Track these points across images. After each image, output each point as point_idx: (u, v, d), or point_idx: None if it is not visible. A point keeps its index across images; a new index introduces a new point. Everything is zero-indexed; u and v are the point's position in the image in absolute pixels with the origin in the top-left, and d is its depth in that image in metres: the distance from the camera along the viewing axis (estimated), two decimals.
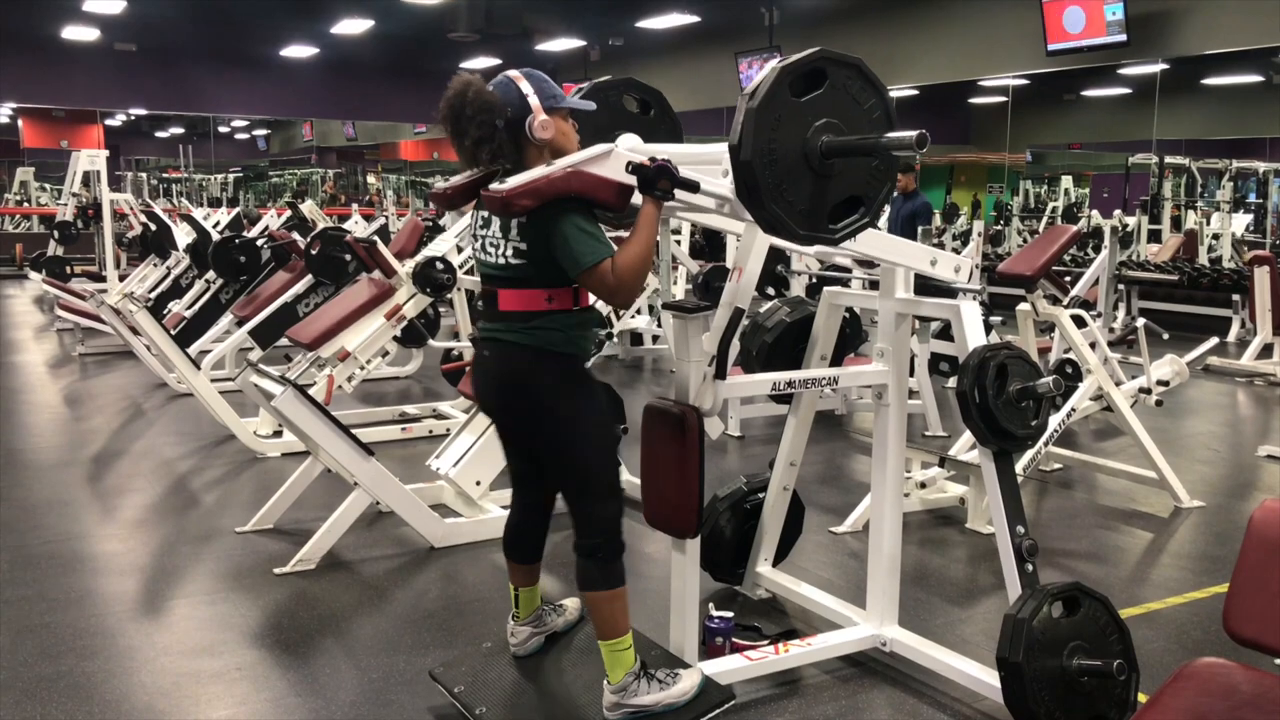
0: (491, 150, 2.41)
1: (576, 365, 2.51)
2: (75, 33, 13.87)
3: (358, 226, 9.81)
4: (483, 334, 2.57)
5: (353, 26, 13.38)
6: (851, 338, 4.67)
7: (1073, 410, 4.69)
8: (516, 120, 2.40)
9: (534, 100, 2.41)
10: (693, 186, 2.38)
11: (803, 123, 2.26)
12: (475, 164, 2.46)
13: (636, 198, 2.39)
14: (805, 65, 2.27)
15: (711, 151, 2.48)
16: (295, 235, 8.01)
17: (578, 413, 2.49)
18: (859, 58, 2.33)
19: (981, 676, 2.73)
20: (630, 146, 2.79)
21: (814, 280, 6.33)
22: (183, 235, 9.21)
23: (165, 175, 24.59)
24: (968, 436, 4.27)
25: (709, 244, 8.75)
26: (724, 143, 2.31)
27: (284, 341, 5.97)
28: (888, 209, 9.02)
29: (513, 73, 2.47)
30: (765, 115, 2.21)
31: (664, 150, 2.52)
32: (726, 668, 2.79)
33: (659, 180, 2.33)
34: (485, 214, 2.49)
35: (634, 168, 2.35)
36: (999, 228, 14.59)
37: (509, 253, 2.42)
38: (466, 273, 5.48)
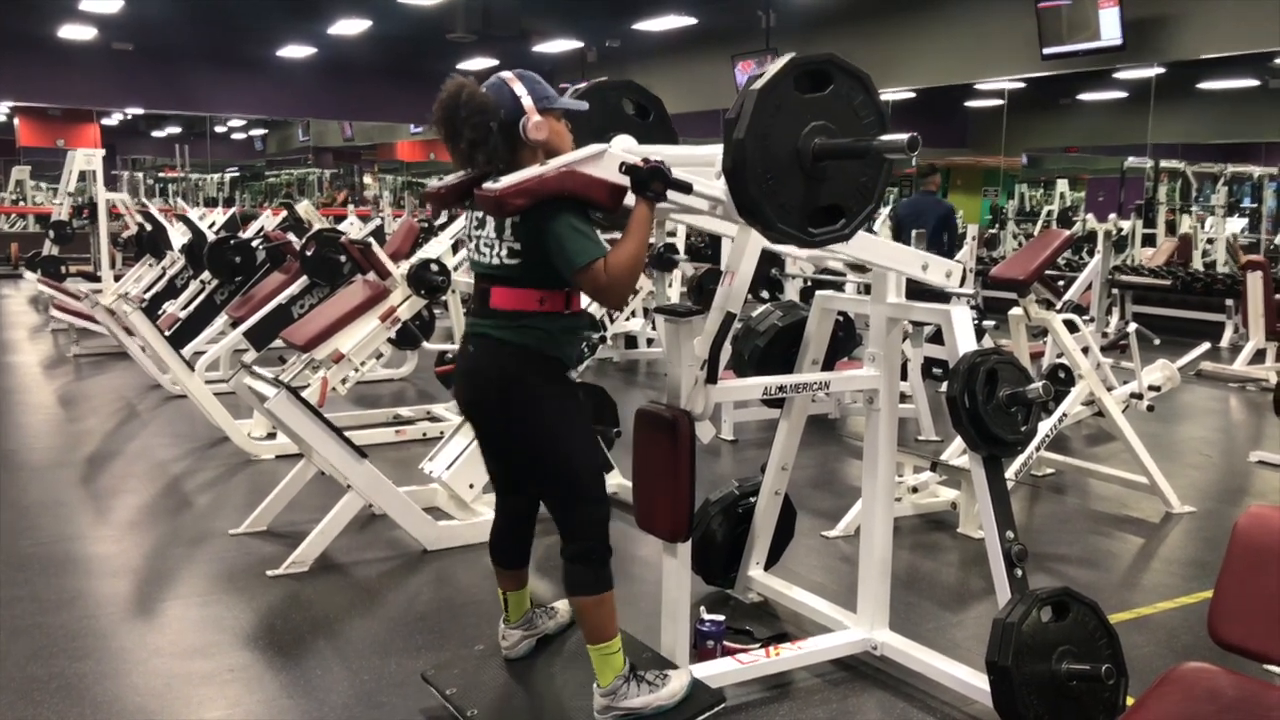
0: (487, 152, 2.41)
1: (561, 369, 2.51)
2: (72, 32, 13.85)
3: (353, 228, 9.81)
4: (470, 329, 2.56)
5: (350, 27, 13.38)
6: (845, 341, 4.70)
7: (1064, 415, 4.71)
8: (510, 121, 2.41)
9: (527, 101, 2.42)
10: (685, 188, 2.38)
11: (800, 118, 2.27)
12: (470, 166, 2.46)
13: (630, 198, 2.40)
14: (814, 63, 2.28)
15: (705, 153, 2.49)
16: (291, 236, 8.01)
17: (560, 417, 2.48)
18: (867, 74, 2.34)
19: (971, 680, 2.75)
20: (625, 148, 2.80)
21: (808, 284, 6.34)
22: (178, 235, 9.21)
23: (161, 175, 24.56)
24: (960, 441, 4.28)
25: (710, 245, 8.75)
26: (718, 144, 2.31)
27: (278, 343, 5.97)
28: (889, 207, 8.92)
29: (506, 74, 2.48)
30: (767, 99, 2.21)
31: (657, 151, 2.52)
32: (717, 671, 2.80)
33: (652, 181, 2.33)
34: (479, 214, 2.50)
35: (627, 168, 2.36)
36: (994, 231, 14.61)
37: (503, 253, 2.43)
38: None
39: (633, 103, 3.04)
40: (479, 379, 2.54)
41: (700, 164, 2.48)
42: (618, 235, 2.42)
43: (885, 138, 2.27)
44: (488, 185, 2.36)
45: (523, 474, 2.65)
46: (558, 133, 2.49)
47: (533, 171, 2.34)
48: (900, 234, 7.82)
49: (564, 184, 2.33)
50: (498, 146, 2.41)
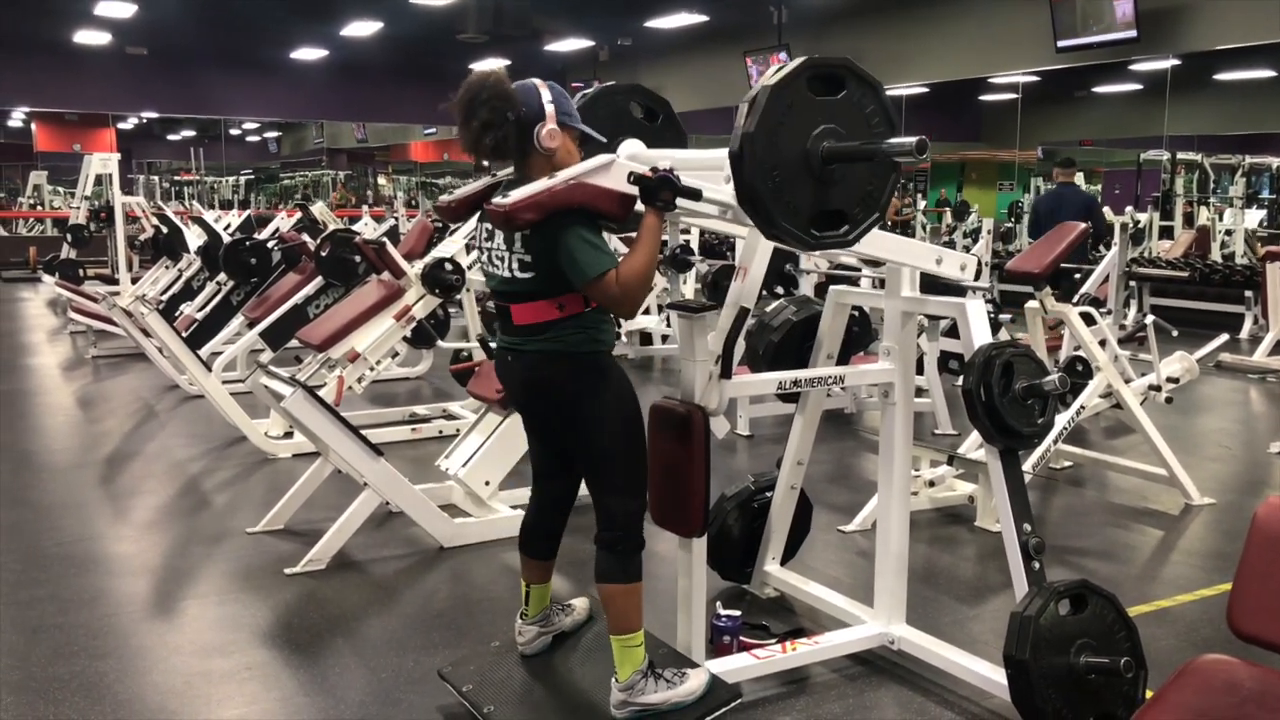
0: (495, 139, 2.40)
1: (600, 361, 2.52)
2: (87, 37, 13.94)
3: (367, 228, 9.85)
4: (502, 345, 2.59)
5: (362, 29, 13.42)
6: (860, 336, 4.68)
7: (1082, 407, 4.68)
8: (527, 122, 2.41)
9: (550, 109, 2.43)
10: (695, 194, 2.38)
11: (811, 120, 2.26)
12: (477, 150, 2.44)
13: (639, 203, 2.40)
14: (829, 66, 2.28)
15: (713, 157, 2.48)
16: (305, 237, 8.04)
17: (604, 410, 2.51)
18: (880, 83, 2.33)
19: (989, 674, 2.73)
20: (632, 153, 2.80)
21: (823, 279, 6.32)
22: (194, 237, 9.26)
23: (177, 178, 24.73)
24: (977, 435, 4.26)
25: (724, 243, 8.73)
26: (725, 148, 2.31)
27: (294, 343, 5.99)
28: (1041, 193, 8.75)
29: (538, 81, 2.49)
30: (780, 96, 2.21)
31: (666, 156, 2.51)
32: (734, 666, 2.80)
33: (661, 191, 2.35)
34: (489, 227, 2.51)
35: (636, 178, 2.36)
36: (1010, 225, 14.54)
37: (515, 266, 2.44)
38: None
39: (640, 106, 3.05)
40: (520, 384, 2.59)
41: (709, 168, 2.47)
42: (633, 234, 2.42)
43: (894, 140, 2.26)
44: (496, 200, 2.36)
45: (571, 459, 2.67)
46: (568, 150, 2.49)
47: (541, 184, 2.34)
48: (1040, 227, 7.77)
49: (573, 196, 2.33)
50: (509, 138, 2.41)
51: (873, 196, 2.38)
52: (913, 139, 2.20)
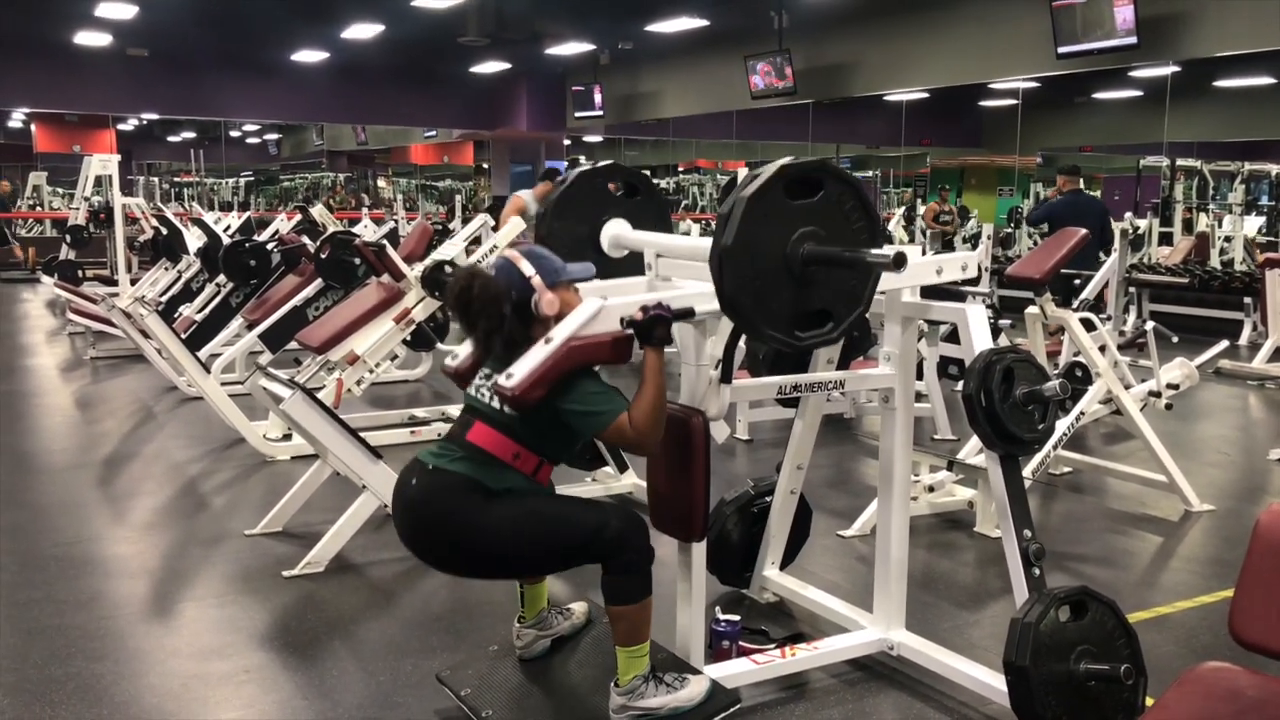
0: (503, 338, 2.46)
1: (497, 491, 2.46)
2: (87, 38, 13.94)
3: (367, 230, 9.84)
4: (427, 456, 2.53)
5: (363, 31, 13.42)
6: (860, 341, 4.67)
7: (1082, 414, 4.68)
8: (522, 302, 2.46)
9: (537, 280, 2.46)
10: (688, 316, 2.47)
11: (790, 224, 2.32)
12: (488, 352, 2.52)
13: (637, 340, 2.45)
14: (806, 170, 2.32)
15: (699, 247, 2.56)
16: (305, 239, 8.03)
17: (505, 515, 2.43)
18: (859, 181, 2.38)
19: (989, 680, 2.73)
20: (616, 234, 2.91)
21: None
22: (193, 239, 9.25)
23: (177, 179, 24.77)
24: (976, 440, 4.26)
25: None
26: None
27: (293, 345, 5.99)
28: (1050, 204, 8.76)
29: (511, 253, 2.52)
30: (756, 206, 2.25)
31: (650, 243, 2.56)
32: (733, 671, 2.79)
33: (655, 330, 2.40)
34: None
35: (629, 322, 2.41)
36: (1009, 230, 14.55)
37: (505, 404, 2.43)
38: None
39: (621, 183, 3.19)
40: (421, 518, 2.50)
41: (698, 258, 2.54)
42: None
43: (874, 251, 2.32)
44: (501, 382, 2.37)
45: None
46: (568, 302, 2.51)
47: (539, 355, 2.35)
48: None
49: (573, 360, 2.37)
50: (513, 329, 2.46)
51: (855, 292, 2.45)
52: (891, 251, 2.28)
